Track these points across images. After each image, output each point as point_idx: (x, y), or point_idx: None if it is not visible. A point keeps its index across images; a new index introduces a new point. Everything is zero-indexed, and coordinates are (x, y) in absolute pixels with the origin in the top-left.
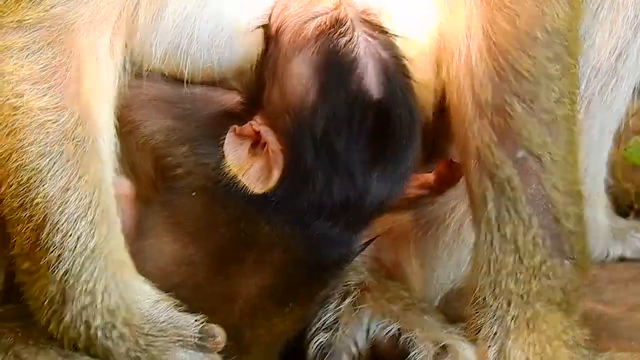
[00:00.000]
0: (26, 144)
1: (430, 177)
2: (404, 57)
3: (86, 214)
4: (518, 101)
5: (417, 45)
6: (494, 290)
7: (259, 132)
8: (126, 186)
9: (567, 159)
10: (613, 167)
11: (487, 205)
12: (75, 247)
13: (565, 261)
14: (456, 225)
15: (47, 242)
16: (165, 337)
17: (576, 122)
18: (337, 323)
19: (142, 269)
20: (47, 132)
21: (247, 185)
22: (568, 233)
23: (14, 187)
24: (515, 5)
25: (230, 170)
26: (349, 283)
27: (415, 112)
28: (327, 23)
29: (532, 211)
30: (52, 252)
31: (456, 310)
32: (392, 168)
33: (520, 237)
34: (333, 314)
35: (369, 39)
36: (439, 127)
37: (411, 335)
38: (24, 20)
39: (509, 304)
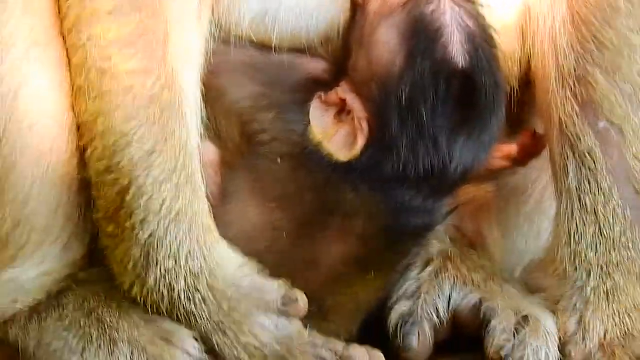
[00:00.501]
0: (113, 107)
1: (513, 147)
2: (490, 27)
3: (171, 177)
4: (600, 72)
5: (502, 16)
6: (573, 260)
7: (344, 99)
8: (212, 151)
9: None
10: None
11: (568, 176)
12: (160, 210)
13: None
14: (538, 195)
15: (131, 204)
16: (247, 301)
17: None
18: (419, 291)
19: (226, 234)
20: (134, 96)
21: (331, 152)
22: None
23: (99, 150)
24: None
25: (315, 136)
26: (430, 251)
27: (500, 81)
28: None
29: (613, 182)
30: (136, 214)
31: (536, 280)
32: (476, 136)
33: (600, 207)
34: (414, 282)
35: (455, 7)
36: (523, 98)
37: (492, 304)
38: None
39: (588, 275)
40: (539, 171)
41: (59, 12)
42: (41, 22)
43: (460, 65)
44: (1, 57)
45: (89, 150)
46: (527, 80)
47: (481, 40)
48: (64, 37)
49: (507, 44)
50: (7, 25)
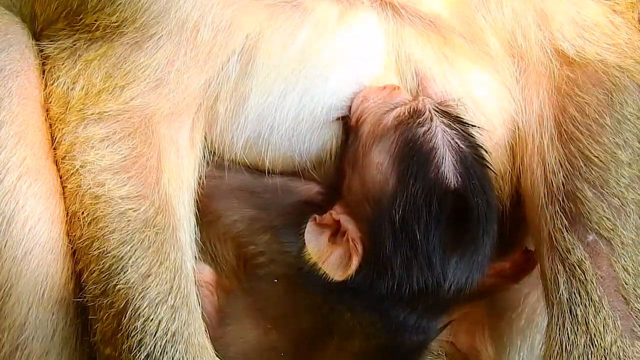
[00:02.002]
0: (107, 232)
1: (506, 265)
2: (481, 147)
3: (167, 299)
4: (588, 187)
5: (493, 136)
6: None
7: (338, 220)
8: (207, 273)
9: (637, 241)
10: None
11: (559, 288)
12: (157, 332)
13: (636, 341)
14: (530, 311)
15: (128, 327)
16: None
17: None
18: None
19: (223, 355)
20: (128, 221)
21: (327, 272)
22: (638, 313)
23: (95, 274)
24: (584, 94)
25: (311, 258)
26: None
27: (492, 201)
28: (406, 113)
29: (603, 293)
30: (133, 336)
31: None
32: (469, 256)
33: (591, 318)
34: None
35: (447, 129)
36: (514, 216)
37: None
38: (104, 112)
39: None
40: (530, 287)
41: (52, 141)
42: (33, 152)
43: (452, 186)
44: None
45: (85, 275)
46: (518, 199)
47: (473, 160)
48: (57, 165)
49: (498, 163)
50: (0, 155)
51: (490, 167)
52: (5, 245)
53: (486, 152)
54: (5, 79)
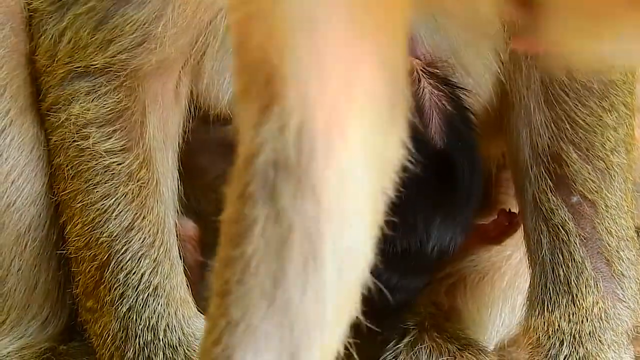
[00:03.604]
0: (91, 185)
1: (489, 227)
2: (469, 109)
3: (149, 252)
4: (574, 149)
5: (480, 98)
6: (547, 330)
7: None
8: (190, 227)
9: (620, 205)
10: None
11: (542, 248)
12: (139, 285)
13: (618, 303)
14: (512, 272)
15: (110, 279)
16: None
17: (631, 170)
18: None
19: (204, 308)
20: (112, 174)
21: None
22: (620, 276)
23: (79, 226)
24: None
25: None
26: (407, 324)
27: (478, 163)
28: None
29: (586, 254)
30: (115, 289)
31: (511, 354)
32: (453, 217)
33: (573, 278)
34: (392, 353)
35: (434, 90)
36: (499, 179)
37: None
38: (90, 65)
39: (561, 344)
40: (513, 248)
41: (38, 94)
42: (17, 104)
43: (438, 147)
44: None
45: (68, 227)
46: (504, 162)
47: (459, 122)
48: (41, 118)
49: (485, 126)
50: None
51: (476, 129)
52: None
53: (473, 114)
54: None
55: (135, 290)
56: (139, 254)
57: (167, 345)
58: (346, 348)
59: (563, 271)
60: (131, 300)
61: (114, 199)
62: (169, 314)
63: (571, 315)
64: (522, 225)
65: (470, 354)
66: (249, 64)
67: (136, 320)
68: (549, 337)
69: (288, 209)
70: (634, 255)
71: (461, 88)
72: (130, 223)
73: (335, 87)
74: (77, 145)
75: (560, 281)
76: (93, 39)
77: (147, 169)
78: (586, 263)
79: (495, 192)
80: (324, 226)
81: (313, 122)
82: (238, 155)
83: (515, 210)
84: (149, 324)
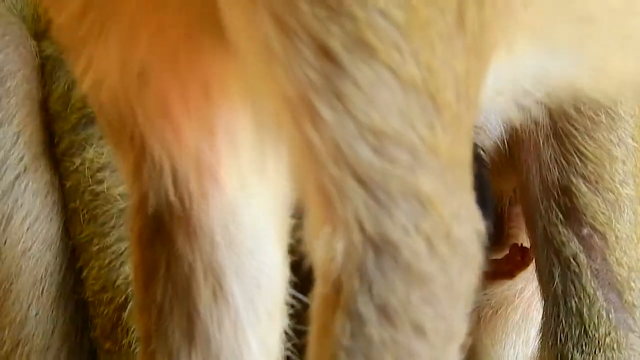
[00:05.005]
0: (106, 229)
1: (502, 261)
2: (479, 146)
3: None
4: (583, 182)
5: (490, 134)
6: None
7: None
8: None
9: (631, 236)
10: None
11: (554, 280)
12: None
13: (630, 333)
14: (525, 305)
15: (128, 322)
16: None
17: None
18: None
19: None
20: (127, 217)
21: None
22: (632, 306)
23: (95, 270)
24: (573, 96)
25: None
26: None
27: (490, 199)
28: None
29: (597, 285)
30: (133, 331)
31: None
32: None
33: (585, 309)
34: None
35: None
36: (512, 214)
37: None
38: None
39: None
40: (525, 282)
41: (51, 139)
42: (31, 151)
43: None
44: None
45: (84, 271)
46: (514, 197)
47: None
48: (55, 163)
49: (496, 162)
50: None
51: (487, 165)
52: (5, 243)
53: (484, 151)
54: (3, 79)
55: None
56: None
57: None
58: None
59: (575, 303)
60: None
61: (129, 242)
62: None
63: (584, 347)
64: (533, 259)
65: None
66: (111, 123)
67: None
68: None
69: (185, 249)
70: None
71: (474, 126)
72: None
73: (196, 135)
74: (92, 189)
75: (572, 313)
76: None
77: None
78: (598, 294)
79: (507, 227)
80: (222, 260)
81: (183, 167)
82: (130, 205)
83: (526, 244)
84: None
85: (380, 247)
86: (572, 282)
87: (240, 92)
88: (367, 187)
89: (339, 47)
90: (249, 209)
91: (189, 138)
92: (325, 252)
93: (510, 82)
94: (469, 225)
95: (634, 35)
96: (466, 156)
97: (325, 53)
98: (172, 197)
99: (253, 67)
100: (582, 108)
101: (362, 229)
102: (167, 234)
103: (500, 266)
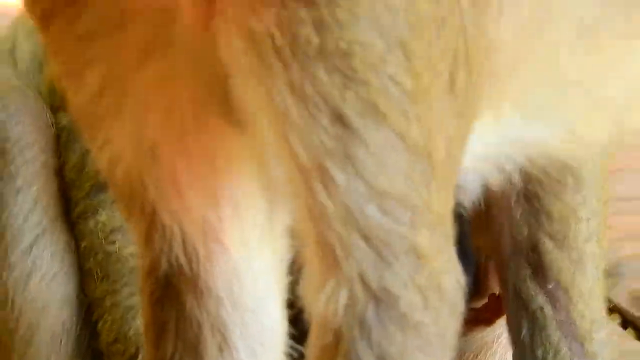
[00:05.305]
0: (119, 286)
1: (481, 309)
2: (459, 204)
3: None
4: (549, 240)
5: (467, 193)
6: None
7: None
8: None
9: (593, 290)
10: None
11: (522, 331)
12: None
13: None
14: (502, 350)
15: None
16: None
17: (603, 257)
18: None
19: None
20: (137, 275)
21: None
22: (593, 355)
23: (108, 323)
24: (544, 159)
25: None
26: None
27: (470, 255)
28: None
29: (561, 336)
30: None
31: None
32: None
33: (550, 358)
34: None
35: None
36: (489, 266)
37: None
38: None
39: None
40: (502, 328)
41: (66, 204)
42: (48, 215)
43: None
44: (12, 247)
45: (99, 324)
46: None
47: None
48: (72, 226)
49: (474, 219)
50: (17, 219)
51: (467, 222)
52: (25, 300)
53: (464, 208)
54: (22, 150)
55: None
56: None
57: None
58: None
59: (541, 352)
60: None
61: (139, 297)
62: None
63: None
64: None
65: None
66: (124, 194)
67: None
68: None
69: (193, 308)
70: (606, 333)
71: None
72: None
73: (203, 203)
74: (105, 250)
75: None
76: None
77: None
78: (561, 344)
79: (485, 278)
80: (227, 318)
81: (191, 233)
82: (141, 267)
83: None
84: None
85: (381, 299)
86: (539, 332)
87: (245, 161)
88: (372, 244)
89: (352, 113)
90: (251, 271)
91: (195, 207)
92: (328, 304)
93: (494, 146)
94: (453, 276)
95: (605, 100)
96: (450, 213)
97: (340, 119)
98: (181, 260)
99: (266, 135)
100: (550, 170)
101: (364, 283)
102: (176, 294)
103: (480, 314)
